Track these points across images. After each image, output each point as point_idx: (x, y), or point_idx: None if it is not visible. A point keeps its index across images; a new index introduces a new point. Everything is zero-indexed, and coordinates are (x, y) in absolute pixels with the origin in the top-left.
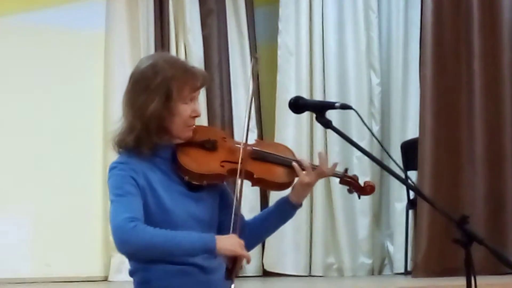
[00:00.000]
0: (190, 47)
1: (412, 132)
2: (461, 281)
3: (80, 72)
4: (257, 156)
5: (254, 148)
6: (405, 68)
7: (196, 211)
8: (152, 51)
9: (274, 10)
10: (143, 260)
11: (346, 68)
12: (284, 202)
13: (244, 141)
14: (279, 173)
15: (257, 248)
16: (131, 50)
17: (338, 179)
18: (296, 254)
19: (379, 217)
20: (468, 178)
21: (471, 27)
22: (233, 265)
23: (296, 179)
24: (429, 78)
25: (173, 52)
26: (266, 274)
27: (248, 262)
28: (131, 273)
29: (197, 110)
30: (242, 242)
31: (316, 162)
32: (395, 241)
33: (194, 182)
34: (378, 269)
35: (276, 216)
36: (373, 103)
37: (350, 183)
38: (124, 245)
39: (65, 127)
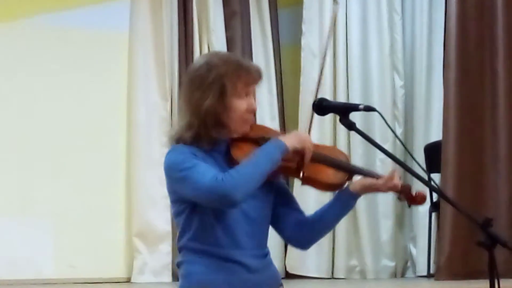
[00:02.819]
0: (213, 48)
1: (436, 134)
2: (485, 284)
3: (104, 72)
4: (312, 157)
5: None
6: (428, 71)
7: (246, 207)
8: (176, 52)
9: (298, 12)
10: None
11: (370, 70)
12: (344, 192)
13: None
14: (329, 173)
15: (280, 250)
16: (155, 50)
17: None
18: (318, 256)
19: (402, 219)
20: (491, 181)
21: (495, 30)
22: (303, 157)
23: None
24: (452, 80)
25: (196, 53)
26: (288, 276)
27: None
28: (178, 265)
29: (252, 104)
30: (305, 134)
31: None
32: (418, 243)
33: None
34: (400, 272)
35: (336, 208)
36: (396, 106)
37: (402, 191)
38: (227, 197)
39: (88, 127)
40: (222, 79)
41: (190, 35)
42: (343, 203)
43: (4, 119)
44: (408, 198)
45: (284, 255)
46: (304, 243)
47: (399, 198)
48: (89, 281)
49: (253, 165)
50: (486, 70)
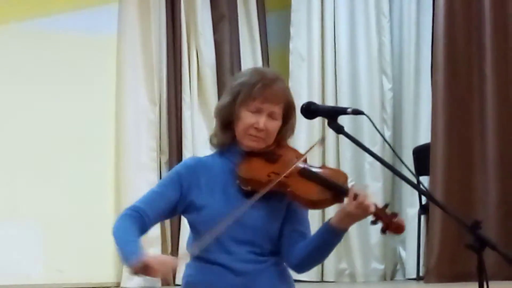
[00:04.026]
0: (201, 52)
1: (424, 137)
2: (474, 287)
3: (92, 76)
4: (304, 173)
5: (305, 166)
6: (417, 73)
7: (245, 216)
8: (164, 55)
9: (286, 15)
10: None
11: (358, 73)
12: (324, 225)
13: (302, 157)
14: (313, 191)
15: None
16: (143, 54)
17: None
18: None
19: None
20: (480, 183)
21: (483, 32)
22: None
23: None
24: (441, 83)
25: (184, 57)
26: None
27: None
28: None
29: (260, 122)
30: (165, 260)
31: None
32: (407, 246)
33: (242, 187)
34: (390, 275)
35: (318, 240)
36: (385, 109)
37: (381, 218)
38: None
39: (77, 131)
40: (240, 87)
41: (178, 38)
42: (324, 237)
43: None
44: (384, 222)
45: None
46: (296, 267)
47: (373, 222)
48: (78, 286)
49: (118, 240)
50: (474, 72)
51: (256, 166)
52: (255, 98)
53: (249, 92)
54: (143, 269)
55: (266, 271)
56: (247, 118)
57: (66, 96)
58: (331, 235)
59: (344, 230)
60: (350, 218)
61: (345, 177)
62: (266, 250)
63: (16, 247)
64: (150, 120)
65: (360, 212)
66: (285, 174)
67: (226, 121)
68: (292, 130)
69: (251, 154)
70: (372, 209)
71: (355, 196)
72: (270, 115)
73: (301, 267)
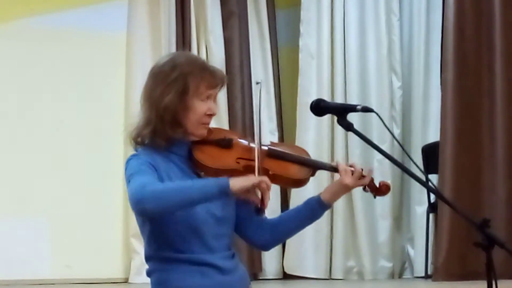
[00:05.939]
0: (211, 49)
1: (433, 135)
2: (482, 285)
3: (102, 73)
4: (273, 154)
5: (270, 147)
6: (426, 71)
7: (213, 208)
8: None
9: (296, 13)
10: (160, 215)
11: (367, 71)
12: (315, 200)
13: (257, 141)
14: (294, 170)
15: (278, 251)
16: (153, 51)
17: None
18: (316, 257)
19: (399, 220)
20: (489, 182)
21: (493, 30)
22: (261, 197)
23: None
24: (450, 81)
25: (194, 53)
26: (286, 277)
27: (263, 192)
28: (149, 273)
29: (212, 108)
30: (260, 178)
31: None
32: (415, 244)
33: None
34: (398, 273)
35: (304, 214)
36: (394, 106)
37: (370, 185)
38: (139, 203)
39: (86, 128)
40: (185, 78)
41: (188, 35)
42: (313, 212)
43: (0, 119)
44: (372, 189)
45: (282, 255)
46: (266, 245)
47: (364, 190)
48: (86, 282)
49: (182, 189)
50: (484, 70)
51: (216, 154)
52: (210, 87)
53: (200, 81)
54: (262, 185)
55: (239, 265)
56: (200, 107)
57: (75, 93)
58: (322, 210)
59: (331, 205)
60: (345, 191)
61: (305, 151)
62: (231, 242)
63: (25, 242)
64: None
65: (358, 184)
66: (257, 157)
67: (176, 117)
68: None
69: (198, 143)
70: (369, 178)
71: (346, 171)
72: (215, 97)
73: (272, 245)
